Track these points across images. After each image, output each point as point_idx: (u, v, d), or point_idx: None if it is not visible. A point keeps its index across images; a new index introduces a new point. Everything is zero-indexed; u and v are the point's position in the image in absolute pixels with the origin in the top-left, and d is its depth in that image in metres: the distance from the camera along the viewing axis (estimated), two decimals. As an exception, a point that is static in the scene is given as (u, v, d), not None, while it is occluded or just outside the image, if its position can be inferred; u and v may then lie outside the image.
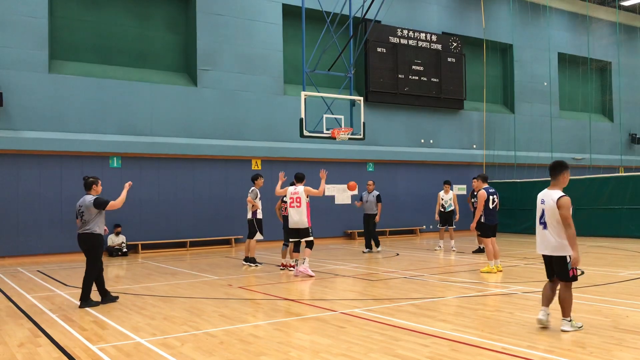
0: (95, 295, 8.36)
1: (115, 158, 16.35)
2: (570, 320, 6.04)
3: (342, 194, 19.91)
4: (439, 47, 22.26)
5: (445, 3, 23.13)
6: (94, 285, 8.28)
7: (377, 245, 15.74)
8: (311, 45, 16.68)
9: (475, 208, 11.99)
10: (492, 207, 11.24)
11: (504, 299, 8.15)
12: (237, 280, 10.52)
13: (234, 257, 15.06)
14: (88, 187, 8.31)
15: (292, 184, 11.42)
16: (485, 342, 5.63)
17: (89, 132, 15.93)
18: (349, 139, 15.96)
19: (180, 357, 5.39)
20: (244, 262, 12.70)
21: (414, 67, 21.53)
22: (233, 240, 17.94)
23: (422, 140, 21.99)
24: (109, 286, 9.97)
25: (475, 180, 11.96)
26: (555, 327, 6.18)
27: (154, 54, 17.79)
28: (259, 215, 12.58)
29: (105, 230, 8.47)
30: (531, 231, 20.14)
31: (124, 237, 16.11)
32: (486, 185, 11.51)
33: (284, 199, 11.81)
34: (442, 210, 15.55)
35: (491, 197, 11.22)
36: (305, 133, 15.20)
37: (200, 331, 6.45)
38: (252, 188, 12.54)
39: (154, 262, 14.21)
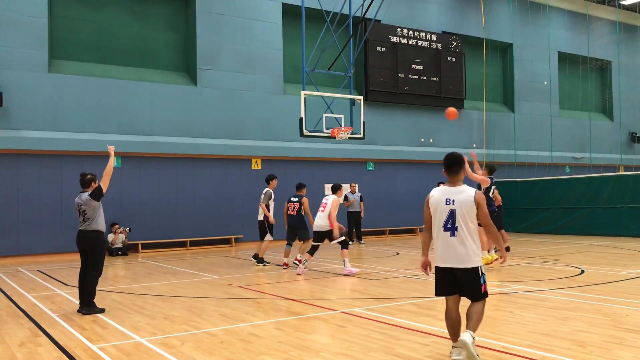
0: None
1: (115, 158, 16.30)
2: (474, 338, 4.79)
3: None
4: (439, 46, 22.25)
5: (445, 2, 23.11)
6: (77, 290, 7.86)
7: (360, 239, 17.98)
8: (311, 44, 16.67)
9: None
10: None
11: (504, 298, 8.15)
12: (238, 280, 10.53)
13: (234, 256, 15.06)
14: (87, 184, 8.04)
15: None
16: (486, 341, 5.63)
17: (89, 131, 15.91)
18: (349, 138, 15.97)
19: (180, 357, 5.39)
20: (257, 263, 12.66)
21: (413, 66, 21.52)
22: (233, 239, 17.92)
23: (422, 140, 21.98)
24: (109, 285, 10.01)
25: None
26: (552, 327, 6.18)
27: (154, 53, 17.77)
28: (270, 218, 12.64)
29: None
30: (531, 230, 20.49)
31: (124, 237, 16.11)
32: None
33: (292, 198, 12.13)
34: None
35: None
36: (305, 132, 15.19)
37: (201, 330, 6.45)
38: (266, 189, 12.55)
39: (154, 261, 14.21)
